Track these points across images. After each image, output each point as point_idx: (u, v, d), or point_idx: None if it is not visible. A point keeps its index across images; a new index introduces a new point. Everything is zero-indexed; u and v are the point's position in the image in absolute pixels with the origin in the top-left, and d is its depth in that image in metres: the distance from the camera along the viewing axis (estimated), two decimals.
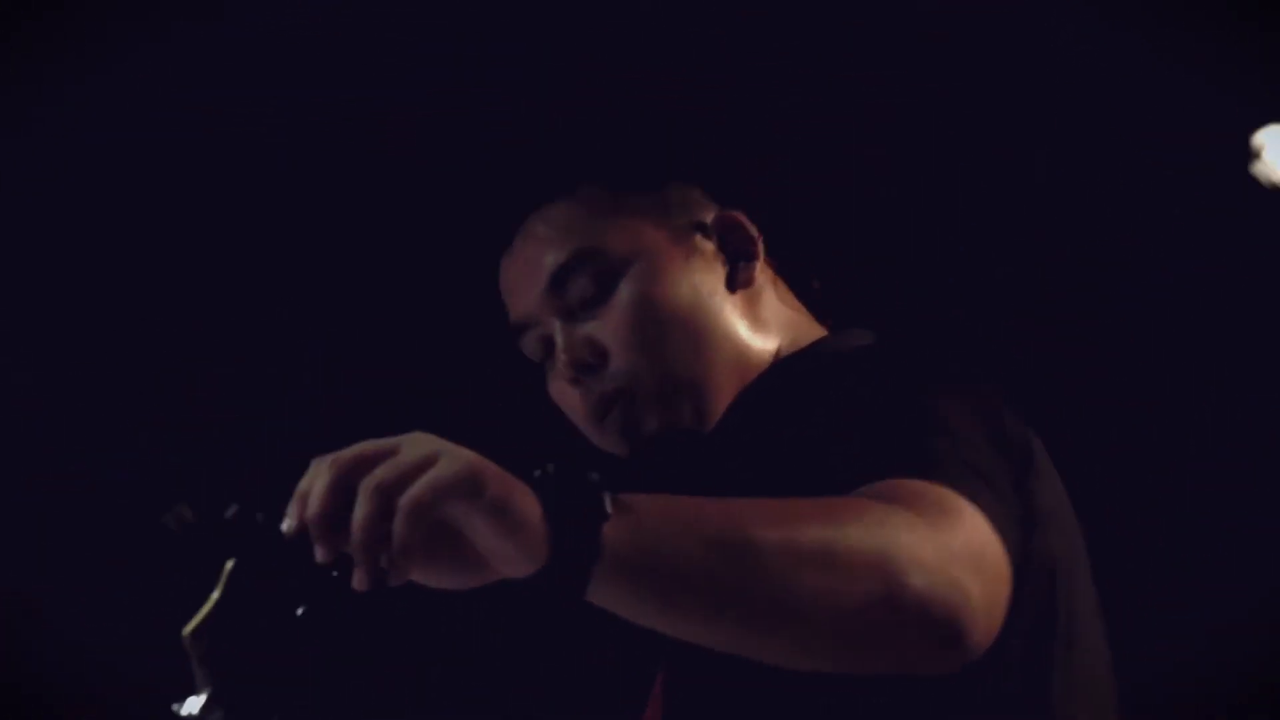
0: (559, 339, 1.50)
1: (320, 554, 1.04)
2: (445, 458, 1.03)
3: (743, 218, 1.56)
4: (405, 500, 1.02)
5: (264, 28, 1.92)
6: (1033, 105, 2.04)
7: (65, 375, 2.05)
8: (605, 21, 2.04)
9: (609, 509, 1.06)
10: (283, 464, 1.83)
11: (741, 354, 1.51)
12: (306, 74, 1.96)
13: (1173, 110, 1.98)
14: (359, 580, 1.03)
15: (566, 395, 1.51)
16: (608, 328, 1.49)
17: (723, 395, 1.48)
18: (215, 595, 1.04)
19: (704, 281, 1.52)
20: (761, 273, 1.55)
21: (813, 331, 1.56)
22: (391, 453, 1.04)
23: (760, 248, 1.55)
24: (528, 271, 1.53)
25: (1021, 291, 2.13)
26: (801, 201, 1.99)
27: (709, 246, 1.55)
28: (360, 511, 1.02)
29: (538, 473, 1.06)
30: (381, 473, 1.03)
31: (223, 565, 1.05)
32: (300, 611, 1.05)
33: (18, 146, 1.93)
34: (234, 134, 1.98)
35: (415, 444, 1.05)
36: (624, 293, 1.50)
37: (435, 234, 2.06)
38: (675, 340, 1.49)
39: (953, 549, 1.14)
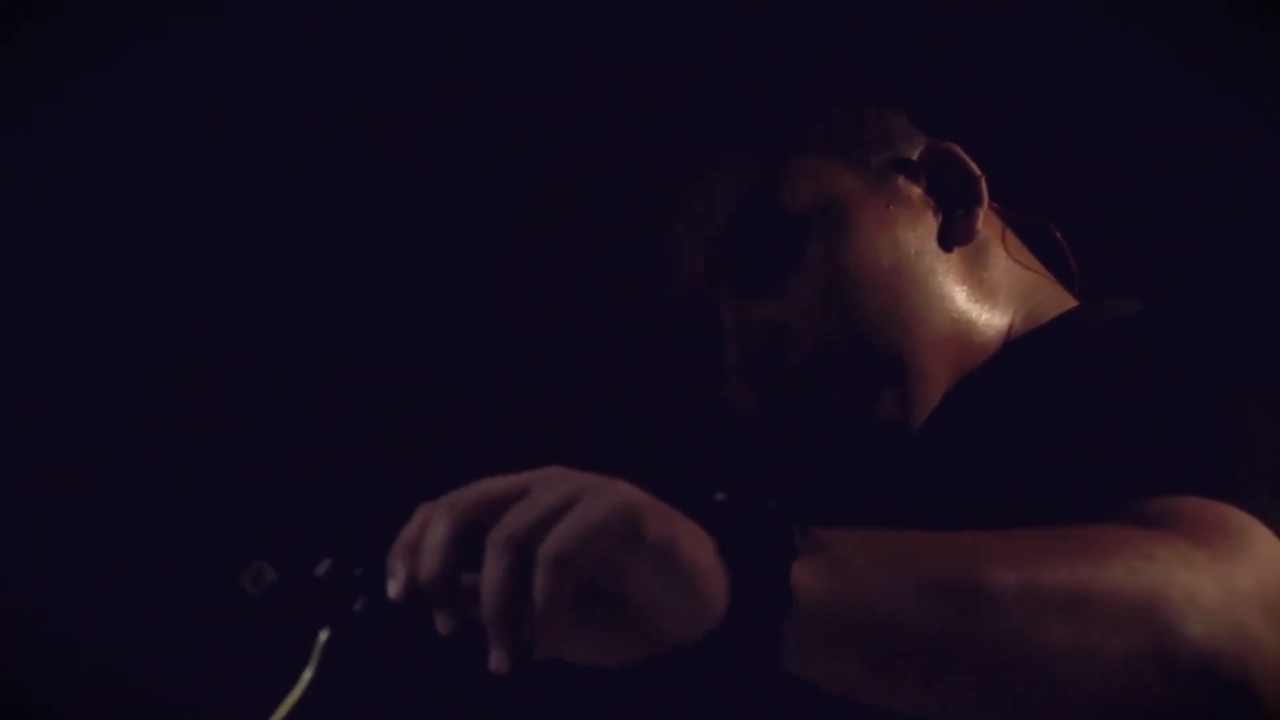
0: (727, 323, 1.22)
1: (442, 623, 0.84)
2: (590, 495, 0.83)
3: (960, 151, 1.26)
4: (546, 551, 0.81)
5: (264, 27, 1.92)
6: None
7: (64, 375, 2.05)
8: None
9: (800, 545, 0.85)
10: (282, 465, 1.84)
11: (961, 330, 1.22)
12: (307, 74, 1.96)
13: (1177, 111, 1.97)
14: (495, 658, 0.82)
15: (739, 391, 1.22)
16: (790, 302, 1.21)
17: (936, 382, 1.20)
18: (307, 675, 0.84)
19: (911, 236, 1.23)
20: (986, 224, 1.26)
21: (1057, 300, 1.27)
22: (522, 493, 0.84)
23: (984, 190, 1.25)
24: (679, 237, 1.23)
25: None
26: (1040, 130, 1.75)
27: (916, 191, 1.26)
28: (492, 569, 0.82)
29: (710, 504, 0.85)
30: (514, 519, 0.83)
31: (315, 637, 0.85)
32: (416, 695, 0.87)
33: (17, 146, 1.93)
34: (233, 134, 1.98)
35: (551, 481, 0.85)
36: (809, 256, 1.21)
37: (443, 231, 2.03)
38: (875, 313, 1.20)
39: (1242, 587, 0.92)
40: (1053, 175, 1.58)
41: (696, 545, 0.84)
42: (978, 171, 1.25)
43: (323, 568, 0.86)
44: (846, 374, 1.20)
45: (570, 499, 0.83)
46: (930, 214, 1.25)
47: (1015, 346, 1.23)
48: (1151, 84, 1.89)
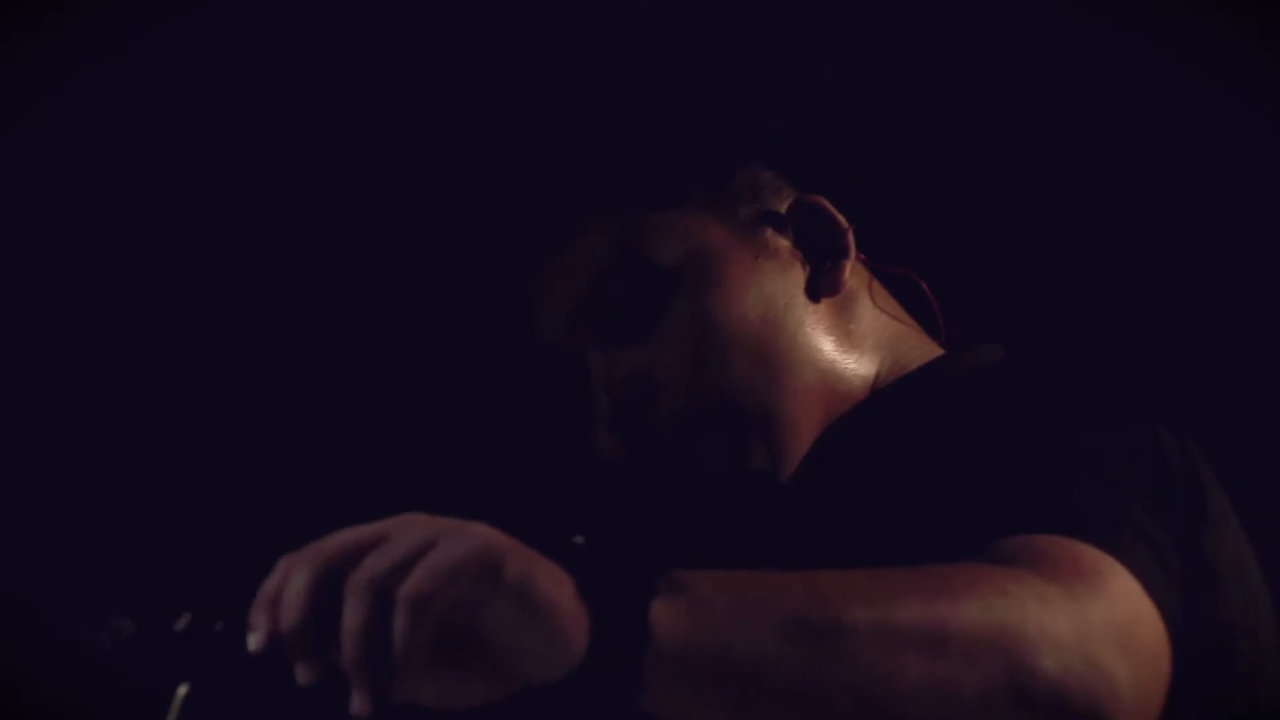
0: (595, 374, 1.23)
1: (302, 673, 0.84)
2: (448, 537, 0.84)
3: (827, 204, 1.29)
4: (405, 593, 0.82)
5: (264, 27, 1.92)
6: None
7: (63, 375, 2.05)
8: None
9: (658, 586, 0.86)
10: (282, 469, 1.83)
11: (829, 380, 1.23)
12: (305, 73, 1.96)
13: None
14: (357, 703, 0.82)
15: (606, 442, 1.23)
16: (657, 355, 1.22)
17: (804, 433, 1.21)
18: None
19: (779, 289, 1.24)
20: (854, 275, 1.29)
21: (923, 349, 1.30)
22: (381, 539, 0.85)
23: (851, 242, 1.28)
24: (553, 286, 1.25)
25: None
26: (906, 183, 1.81)
27: (784, 243, 1.27)
28: (351, 613, 0.82)
29: (568, 546, 0.86)
30: (372, 564, 0.83)
31: (173, 692, 0.84)
32: None
33: (17, 146, 1.93)
34: (234, 133, 1.98)
35: (409, 526, 0.85)
36: (677, 309, 1.22)
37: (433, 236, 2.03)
38: (743, 366, 1.21)
39: (1094, 622, 0.94)
40: (919, 227, 1.60)
41: (555, 585, 0.85)
42: (845, 224, 1.27)
43: (181, 622, 0.86)
44: (716, 426, 1.21)
45: (428, 542, 0.84)
46: (798, 266, 1.26)
47: (881, 395, 1.24)
48: (1015, 137, 1.94)
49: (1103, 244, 2.06)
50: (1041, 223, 2.05)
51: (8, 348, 2.01)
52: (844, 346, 1.26)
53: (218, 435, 1.94)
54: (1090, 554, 0.97)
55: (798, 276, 1.27)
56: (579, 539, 0.87)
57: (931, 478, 1.08)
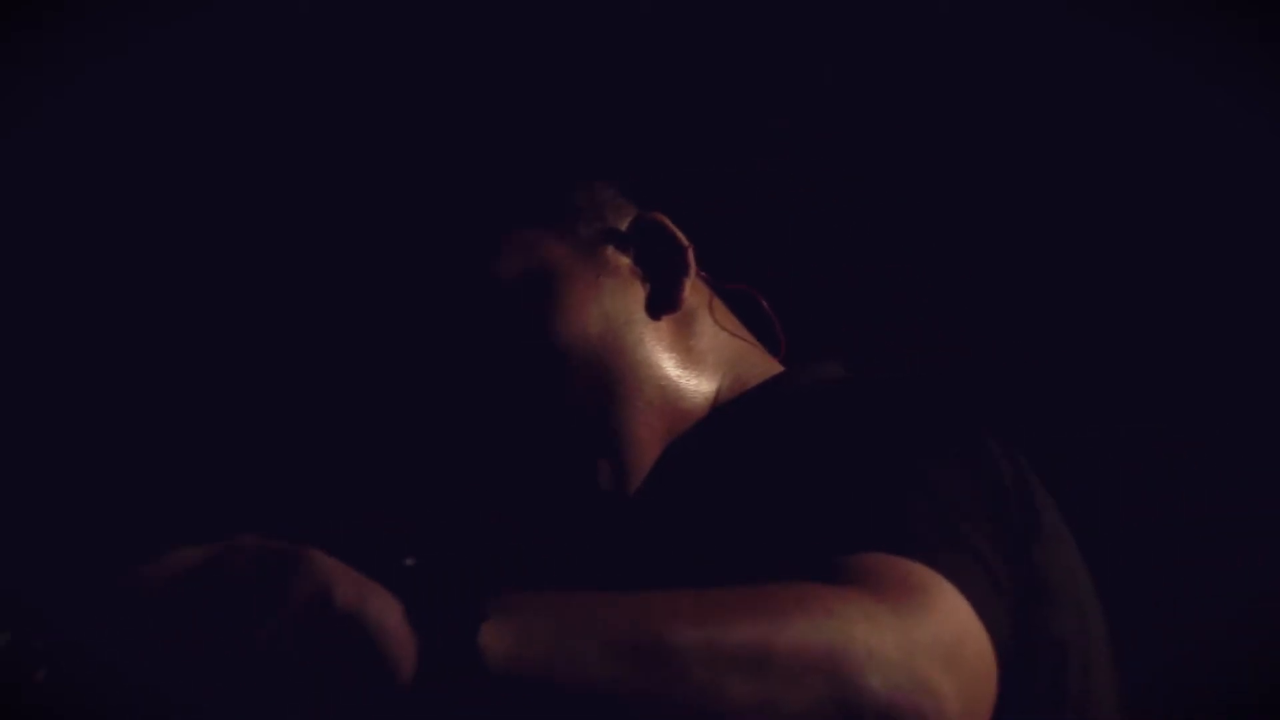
0: (440, 392, 1.22)
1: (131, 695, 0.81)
2: (280, 564, 0.84)
3: (668, 222, 1.27)
4: (237, 623, 0.82)
5: (264, 27, 1.92)
6: (1007, 103, 1.98)
7: (62, 374, 2.05)
8: None
9: (487, 610, 0.87)
10: (280, 465, 1.83)
11: (670, 397, 1.23)
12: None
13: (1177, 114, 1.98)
14: None
15: (448, 462, 1.22)
16: (502, 374, 1.21)
17: (646, 451, 1.21)
18: None
19: (618, 307, 1.23)
20: (694, 292, 1.27)
21: (763, 366, 1.29)
22: (214, 564, 0.84)
23: (691, 260, 1.26)
24: (397, 305, 1.25)
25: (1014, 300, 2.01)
26: (745, 200, 1.85)
27: (625, 261, 1.26)
28: (181, 643, 0.82)
29: (399, 570, 0.86)
30: (205, 592, 0.83)
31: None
32: None
33: (17, 146, 1.93)
34: (233, 133, 1.98)
35: (238, 553, 0.85)
36: (520, 327, 1.21)
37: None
38: (586, 382, 1.20)
39: (921, 640, 0.94)
40: (760, 244, 1.60)
41: (385, 610, 0.85)
42: (685, 241, 1.26)
43: (2, 639, 0.86)
44: (560, 444, 1.20)
45: (260, 569, 0.84)
46: (639, 284, 1.26)
47: (721, 412, 1.24)
48: (1015, 136, 1.95)
49: (1102, 244, 2.07)
50: (1041, 223, 2.05)
51: (8, 348, 2.01)
52: (685, 364, 1.25)
53: (214, 434, 1.94)
54: (918, 571, 0.98)
55: (638, 294, 1.26)
56: (410, 561, 0.89)
57: (766, 495, 1.08)
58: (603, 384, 1.21)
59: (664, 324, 1.26)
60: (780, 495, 1.06)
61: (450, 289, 1.21)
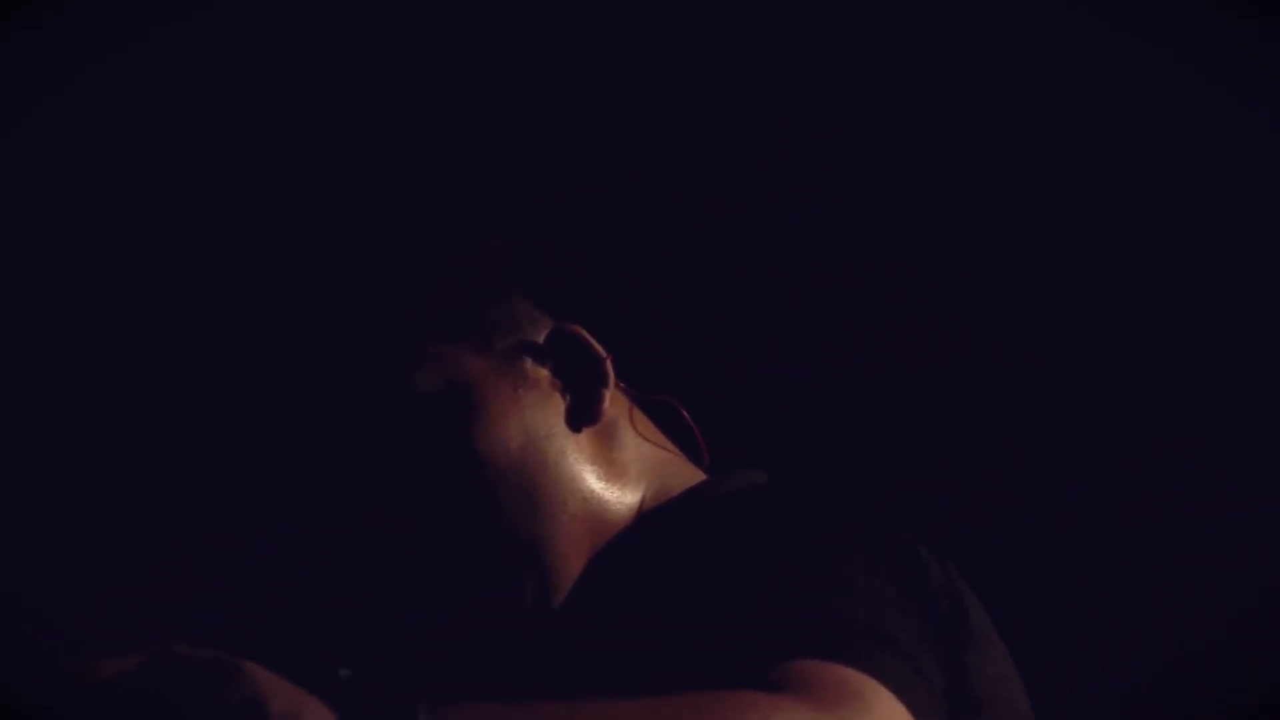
0: (357, 513, 1.20)
1: None
2: (212, 679, 0.83)
3: (585, 333, 1.26)
4: None
5: (264, 27, 1.92)
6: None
7: (62, 374, 2.05)
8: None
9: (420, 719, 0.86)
10: (280, 466, 1.83)
11: (594, 509, 1.22)
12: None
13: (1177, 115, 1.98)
14: None
15: (364, 581, 1.20)
16: (421, 490, 1.20)
17: (571, 564, 1.19)
18: None
19: (538, 420, 1.22)
20: (614, 403, 1.26)
21: (686, 474, 1.28)
22: (136, 683, 0.83)
23: (610, 370, 1.25)
24: (314, 419, 1.23)
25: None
26: (665, 309, 1.84)
27: (543, 373, 1.24)
28: None
29: (334, 683, 0.86)
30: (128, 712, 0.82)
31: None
32: None
33: (17, 146, 1.93)
34: (233, 133, 1.98)
35: (164, 668, 0.84)
36: (437, 443, 1.19)
37: None
38: (503, 501, 1.18)
39: None
40: (678, 353, 1.60)
41: None
42: (603, 353, 1.25)
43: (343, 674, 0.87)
44: (482, 560, 1.19)
45: (193, 679, 0.83)
46: (558, 396, 1.24)
47: (645, 521, 1.23)
48: (1014, 137, 1.96)
49: (1102, 244, 2.06)
50: (1041, 223, 2.05)
51: (7, 348, 2.00)
52: (607, 475, 1.24)
53: (214, 434, 1.95)
54: (854, 677, 0.97)
55: (558, 406, 1.24)
56: (345, 672, 0.87)
57: (694, 605, 1.07)
58: (524, 498, 1.20)
59: (585, 436, 1.24)
60: (708, 605, 1.05)
61: (368, 402, 1.20)
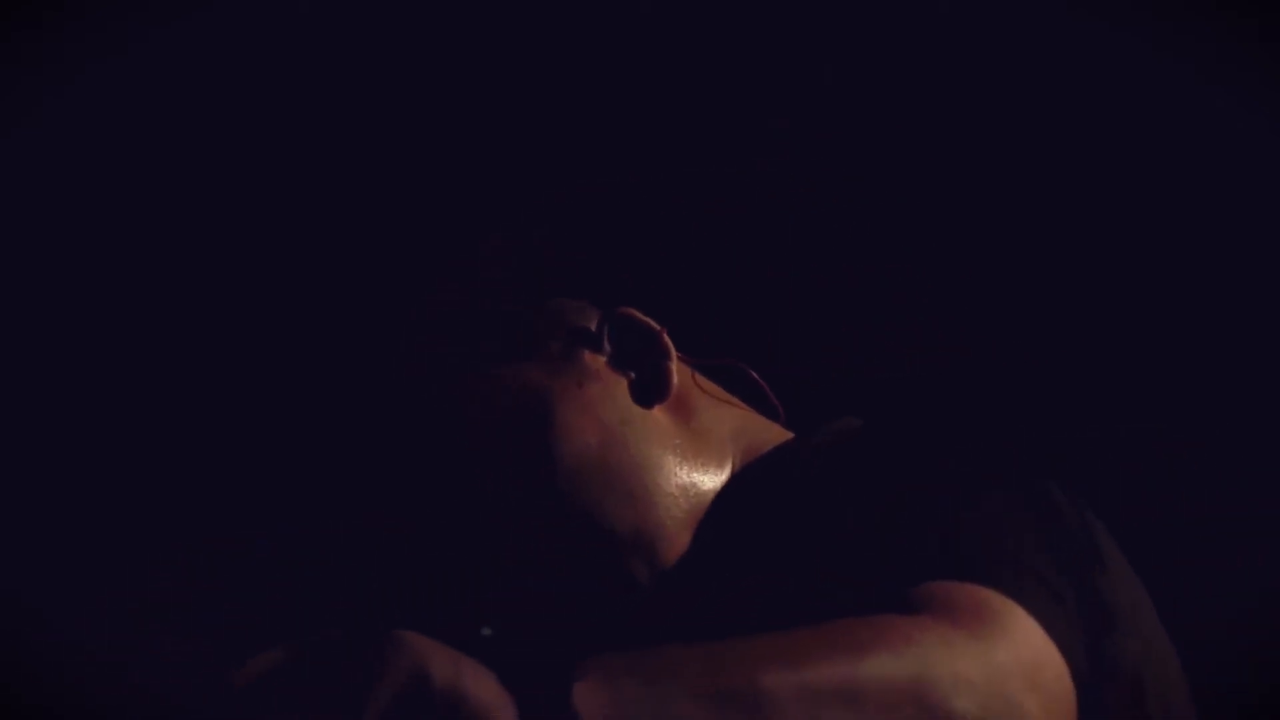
0: (460, 542, 1.19)
1: None
2: (372, 650, 0.84)
3: (635, 312, 1.26)
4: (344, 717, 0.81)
5: (264, 27, 1.92)
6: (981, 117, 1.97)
7: (62, 374, 2.05)
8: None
9: (577, 673, 0.87)
10: (280, 466, 1.83)
11: (687, 483, 1.20)
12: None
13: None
14: None
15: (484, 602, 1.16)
16: (515, 516, 1.18)
17: (679, 538, 1.18)
18: None
19: (610, 410, 1.21)
20: (679, 374, 1.25)
21: (771, 431, 1.28)
22: (301, 659, 0.85)
23: (668, 342, 1.25)
24: (374, 469, 1.22)
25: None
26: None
27: (601, 361, 1.24)
28: None
29: (480, 641, 0.87)
30: (301, 691, 0.82)
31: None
32: None
33: (17, 146, 1.93)
34: (233, 133, 1.98)
35: (330, 647, 0.85)
36: (517, 465, 1.18)
37: None
38: (600, 496, 1.18)
39: (1002, 663, 0.95)
40: (735, 317, 1.60)
41: (481, 683, 0.85)
42: (657, 326, 1.25)
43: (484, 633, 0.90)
44: (592, 560, 1.18)
45: (354, 655, 0.84)
46: (622, 380, 1.24)
47: (745, 477, 1.22)
48: (1013, 137, 1.96)
49: (1102, 244, 2.06)
50: (1041, 223, 2.05)
51: (7, 348, 2.00)
52: (693, 445, 1.23)
53: (214, 434, 1.95)
54: (993, 599, 0.98)
55: (625, 391, 1.24)
56: (487, 631, 0.91)
57: (824, 543, 1.07)
58: (618, 490, 1.19)
59: (660, 413, 1.24)
60: (839, 541, 1.06)
61: (445, 449, 1.19)
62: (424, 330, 1.25)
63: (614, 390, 1.24)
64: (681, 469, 1.22)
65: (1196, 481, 2.07)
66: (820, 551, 1.07)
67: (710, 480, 1.23)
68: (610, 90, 2.01)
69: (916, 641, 0.93)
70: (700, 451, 1.24)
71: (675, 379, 1.24)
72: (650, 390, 1.24)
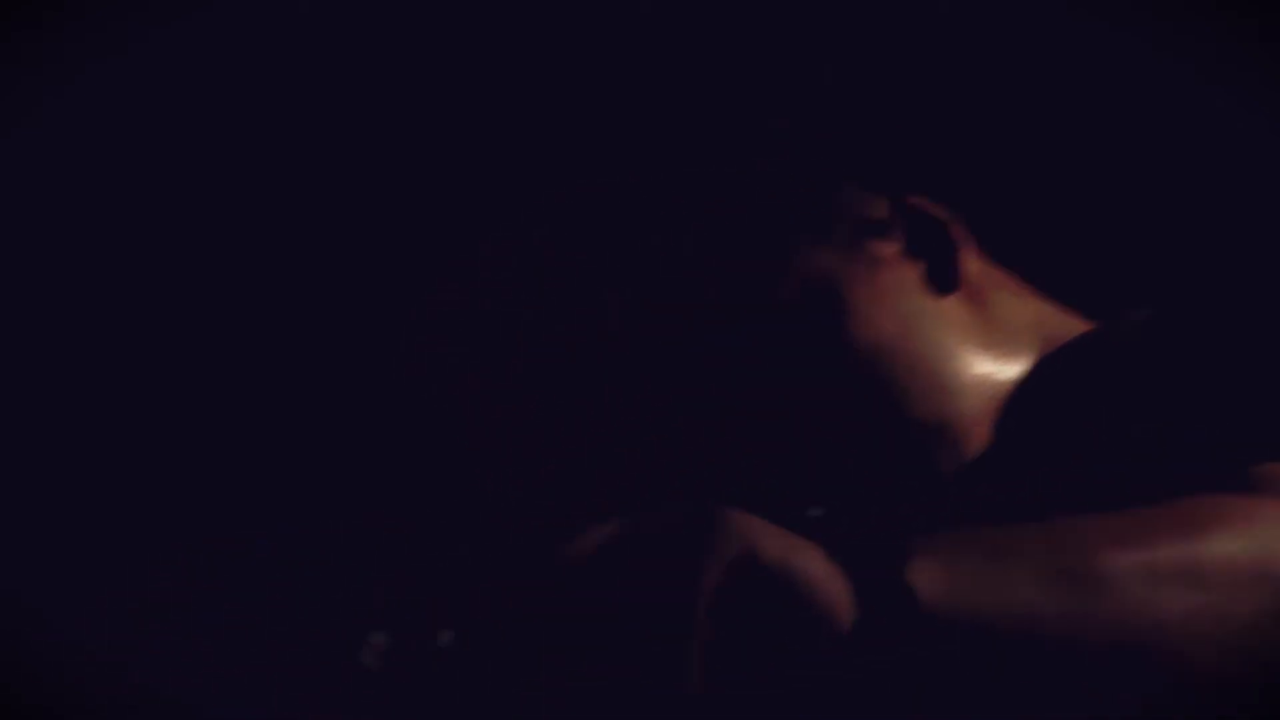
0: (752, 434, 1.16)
1: None
2: (701, 530, 0.81)
3: (924, 201, 1.25)
4: (665, 598, 0.78)
5: (264, 27, 1.92)
6: None
7: (62, 375, 2.05)
8: None
9: (911, 550, 0.84)
10: (280, 466, 1.83)
11: (986, 371, 1.19)
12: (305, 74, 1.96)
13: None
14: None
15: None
16: (812, 406, 1.15)
17: (979, 427, 1.17)
18: None
19: (904, 300, 1.19)
20: (970, 263, 1.25)
21: (1072, 321, 1.27)
22: (624, 548, 0.82)
23: (959, 232, 1.24)
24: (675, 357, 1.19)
25: None
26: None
27: (892, 250, 1.23)
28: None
29: (806, 519, 0.85)
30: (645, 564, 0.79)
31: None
32: None
33: (17, 146, 1.93)
34: (234, 133, 1.98)
35: (650, 528, 0.82)
36: (816, 355, 1.15)
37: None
38: (900, 386, 1.15)
39: None
40: (1025, 195, 1.58)
41: (811, 560, 0.83)
42: (946, 216, 1.23)
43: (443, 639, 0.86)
44: (895, 453, 1.16)
45: (681, 533, 0.81)
46: (914, 270, 1.22)
47: (1051, 365, 1.19)
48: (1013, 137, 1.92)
49: (1101, 244, 2.06)
50: (1040, 223, 2.05)
51: (7, 348, 2.00)
52: (990, 333, 1.21)
53: (215, 434, 1.95)
54: None
55: (917, 281, 1.22)
56: (816, 511, 0.88)
57: (1147, 423, 1.04)
58: (918, 377, 1.17)
59: (954, 303, 1.22)
60: (1165, 422, 1.03)
61: (735, 332, 1.17)
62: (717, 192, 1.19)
63: (906, 280, 1.21)
64: (980, 359, 1.19)
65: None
66: (1142, 436, 1.04)
67: (1009, 370, 1.20)
68: (610, 90, 2.01)
69: (1256, 518, 0.91)
70: (999, 342, 1.21)
71: (967, 268, 1.22)
72: (942, 280, 1.22)
